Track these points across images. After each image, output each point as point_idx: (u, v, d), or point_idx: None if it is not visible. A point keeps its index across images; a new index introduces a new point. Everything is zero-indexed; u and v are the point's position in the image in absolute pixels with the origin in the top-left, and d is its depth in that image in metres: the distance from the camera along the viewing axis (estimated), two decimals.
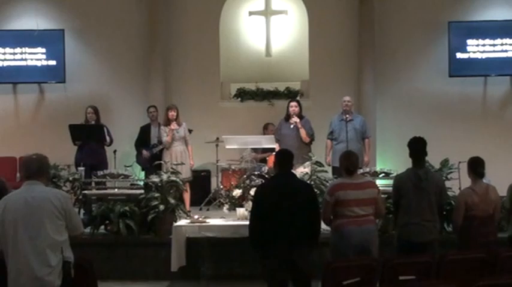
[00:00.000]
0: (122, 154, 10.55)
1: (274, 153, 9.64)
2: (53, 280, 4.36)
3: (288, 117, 9.47)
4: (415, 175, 5.90)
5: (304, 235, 5.34)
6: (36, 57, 11.55)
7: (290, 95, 11.42)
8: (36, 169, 4.49)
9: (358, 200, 5.66)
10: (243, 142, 9.98)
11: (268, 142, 9.82)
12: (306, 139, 9.33)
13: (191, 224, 7.76)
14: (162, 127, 9.60)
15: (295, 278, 5.42)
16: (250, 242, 5.48)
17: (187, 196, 9.33)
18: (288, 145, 8.95)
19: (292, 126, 9.35)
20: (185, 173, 9.30)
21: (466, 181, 6.68)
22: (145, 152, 10.06)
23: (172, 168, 8.23)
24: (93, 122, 9.68)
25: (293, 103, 9.54)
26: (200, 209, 9.75)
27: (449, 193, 7.00)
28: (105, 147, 9.78)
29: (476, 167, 6.09)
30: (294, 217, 5.30)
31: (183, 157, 9.39)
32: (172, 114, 9.43)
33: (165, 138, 9.43)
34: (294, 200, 5.34)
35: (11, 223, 4.36)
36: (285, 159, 5.64)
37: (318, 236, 5.50)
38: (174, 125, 9.38)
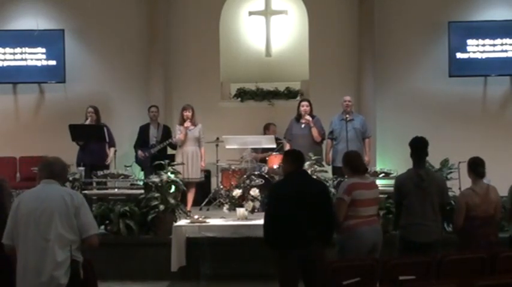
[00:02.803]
0: (122, 154, 10.54)
1: (275, 153, 9.73)
2: (59, 275, 4.34)
3: (299, 117, 9.49)
4: (416, 175, 5.88)
5: (319, 233, 5.30)
6: (36, 57, 11.54)
7: (290, 95, 11.44)
8: (59, 171, 4.64)
9: (369, 200, 5.65)
10: (243, 142, 9.99)
11: (268, 142, 9.82)
12: (318, 138, 9.35)
13: (191, 224, 7.78)
14: (177, 126, 9.70)
15: (310, 277, 5.35)
16: (266, 242, 5.39)
17: (191, 196, 9.37)
18: (300, 144, 8.95)
19: (303, 125, 9.36)
20: (194, 174, 9.39)
21: (466, 181, 6.67)
22: (140, 153, 10.10)
23: (172, 168, 8.23)
24: (88, 121, 9.66)
25: (304, 103, 9.57)
26: (200, 209, 9.74)
27: (450, 193, 6.97)
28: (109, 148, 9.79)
29: (476, 167, 6.08)
30: (309, 216, 5.27)
31: (194, 158, 9.46)
32: (187, 114, 9.51)
33: (178, 136, 9.50)
34: (309, 199, 5.31)
35: (22, 220, 4.41)
36: (297, 157, 5.62)
37: (333, 234, 5.47)
38: (187, 123, 9.44)
